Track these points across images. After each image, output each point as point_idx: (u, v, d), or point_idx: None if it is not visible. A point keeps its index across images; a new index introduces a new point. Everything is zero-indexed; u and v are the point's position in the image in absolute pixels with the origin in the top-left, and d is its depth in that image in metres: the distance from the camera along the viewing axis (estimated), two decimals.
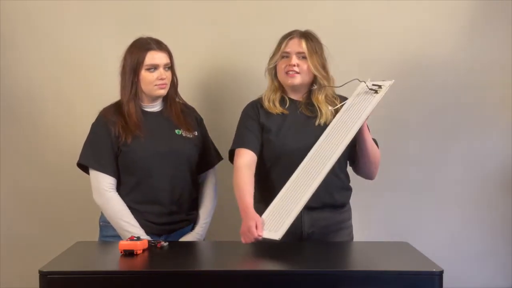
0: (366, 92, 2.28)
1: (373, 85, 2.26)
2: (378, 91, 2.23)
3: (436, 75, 2.87)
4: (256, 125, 2.31)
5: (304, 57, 2.28)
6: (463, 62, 2.86)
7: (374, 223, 2.84)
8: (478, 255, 2.93)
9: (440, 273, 1.74)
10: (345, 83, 2.28)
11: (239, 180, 2.19)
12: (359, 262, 1.89)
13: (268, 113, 2.32)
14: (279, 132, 2.29)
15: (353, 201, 2.39)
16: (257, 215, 2.08)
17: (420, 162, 2.90)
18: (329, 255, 1.94)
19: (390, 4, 2.85)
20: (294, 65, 2.27)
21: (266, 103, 2.33)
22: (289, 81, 2.29)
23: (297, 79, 2.28)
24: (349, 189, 2.37)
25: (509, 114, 2.88)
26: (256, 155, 2.27)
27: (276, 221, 2.05)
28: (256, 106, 2.35)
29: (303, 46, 2.28)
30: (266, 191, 2.27)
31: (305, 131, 2.28)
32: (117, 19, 2.85)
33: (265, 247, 2.04)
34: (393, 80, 2.18)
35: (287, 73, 2.28)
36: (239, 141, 2.30)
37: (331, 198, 2.27)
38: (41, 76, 2.88)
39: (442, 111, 2.89)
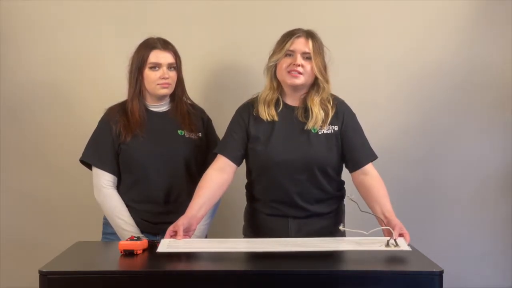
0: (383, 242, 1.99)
1: (394, 240, 1.95)
2: (389, 245, 1.93)
3: (436, 76, 2.87)
4: (241, 133, 2.28)
5: (309, 58, 2.22)
6: (463, 63, 2.86)
7: (373, 222, 2.84)
8: (478, 255, 2.93)
9: (440, 273, 1.73)
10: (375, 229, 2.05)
11: (199, 183, 2.23)
12: (359, 262, 1.89)
13: (257, 119, 2.28)
14: (267, 142, 2.25)
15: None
16: (187, 221, 2.09)
17: (420, 162, 2.91)
18: (329, 255, 1.94)
19: (390, 4, 2.85)
20: (299, 65, 2.21)
21: (260, 105, 2.28)
22: (291, 81, 2.22)
23: (300, 80, 2.22)
24: (337, 197, 2.33)
25: (509, 114, 2.89)
26: (235, 162, 2.27)
27: (183, 245, 1.99)
28: (247, 111, 2.31)
29: (310, 46, 2.21)
30: (257, 196, 2.33)
31: (294, 142, 2.24)
32: (117, 19, 2.86)
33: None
34: (411, 249, 1.92)
35: (289, 72, 2.22)
36: (222, 147, 2.31)
37: (315, 208, 2.27)
38: (41, 76, 2.88)
39: (442, 111, 2.89)
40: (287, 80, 2.23)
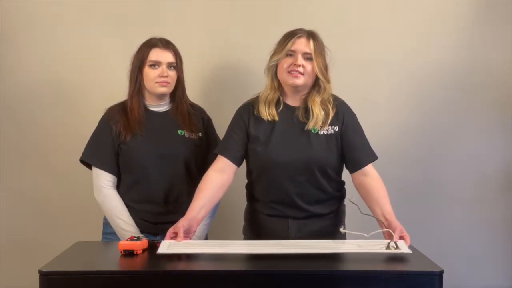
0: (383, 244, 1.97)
1: (395, 243, 1.95)
2: (390, 247, 1.92)
3: (436, 76, 2.87)
4: (241, 134, 2.27)
5: (310, 58, 2.21)
6: (463, 63, 2.86)
7: (373, 223, 2.84)
8: (478, 255, 2.93)
9: (440, 273, 1.73)
10: (375, 232, 2.05)
11: (199, 184, 2.23)
12: (359, 262, 1.89)
13: (258, 120, 2.27)
14: (267, 143, 2.24)
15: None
16: (187, 223, 2.09)
17: (420, 162, 2.91)
18: (329, 255, 1.94)
19: (390, 4, 2.85)
20: (300, 66, 2.20)
21: (261, 104, 2.27)
22: (291, 81, 2.21)
23: (300, 80, 2.21)
24: (337, 198, 2.33)
25: (509, 114, 2.89)
26: (235, 163, 2.26)
27: (183, 247, 1.99)
28: (247, 111, 2.30)
29: (311, 46, 2.21)
30: (257, 196, 2.32)
31: (294, 143, 2.23)
32: (117, 19, 2.86)
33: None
34: (411, 252, 1.92)
35: (290, 72, 2.21)
36: (222, 147, 2.30)
37: (315, 209, 2.27)
38: (41, 76, 2.88)
39: (442, 111, 2.89)
40: (288, 80, 2.23)
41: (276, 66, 2.26)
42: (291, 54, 2.22)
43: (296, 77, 2.21)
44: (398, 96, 2.88)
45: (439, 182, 2.91)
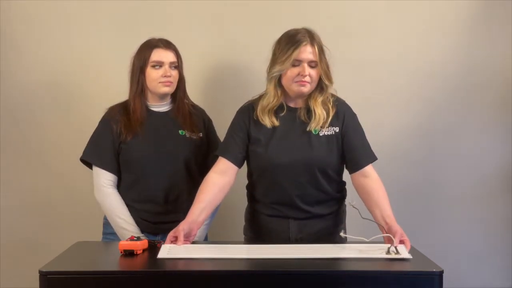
0: (383, 248, 1.96)
1: (395, 247, 1.94)
2: (390, 252, 1.91)
3: (436, 76, 2.87)
4: (242, 135, 2.26)
5: (315, 66, 2.19)
6: (463, 63, 2.86)
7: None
8: (478, 255, 2.93)
9: (440, 273, 1.74)
10: (376, 237, 2.05)
11: (201, 186, 2.22)
12: (359, 262, 1.89)
13: (258, 122, 2.26)
14: (268, 144, 2.23)
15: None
16: (187, 226, 2.08)
17: (420, 162, 2.91)
18: (328, 256, 1.94)
19: (391, 4, 2.85)
20: (307, 75, 2.18)
21: (262, 112, 2.24)
22: (298, 90, 2.19)
23: (307, 88, 2.20)
24: (337, 199, 2.33)
25: (509, 114, 2.89)
26: (236, 164, 2.25)
27: (183, 251, 1.99)
28: (248, 113, 2.28)
29: (316, 53, 2.18)
30: (257, 196, 2.32)
31: (294, 144, 2.22)
32: (117, 19, 2.86)
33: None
34: (411, 257, 1.89)
35: (296, 82, 2.19)
36: (223, 149, 2.29)
37: (315, 210, 2.26)
38: (41, 76, 2.88)
39: (442, 111, 2.89)
40: (294, 88, 2.21)
41: (280, 74, 2.23)
42: (298, 64, 2.19)
43: (303, 85, 2.19)
44: (398, 96, 2.88)
45: (439, 182, 2.91)
